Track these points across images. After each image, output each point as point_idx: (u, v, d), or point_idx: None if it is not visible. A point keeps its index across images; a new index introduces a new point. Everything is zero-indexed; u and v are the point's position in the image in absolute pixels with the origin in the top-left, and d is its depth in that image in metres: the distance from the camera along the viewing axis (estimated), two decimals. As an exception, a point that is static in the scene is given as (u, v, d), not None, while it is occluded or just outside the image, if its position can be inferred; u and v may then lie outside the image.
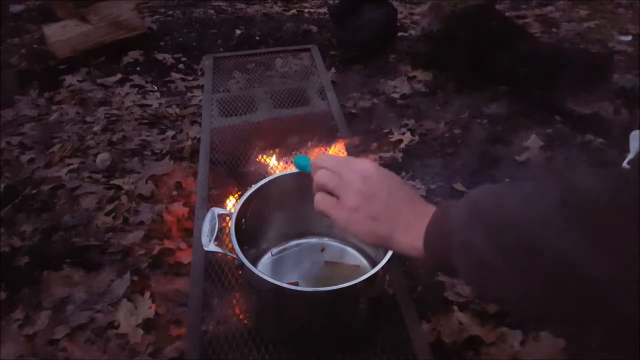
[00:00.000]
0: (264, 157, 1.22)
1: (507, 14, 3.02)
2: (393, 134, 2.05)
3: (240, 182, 1.15)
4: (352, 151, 1.22)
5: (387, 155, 1.91)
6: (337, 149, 1.22)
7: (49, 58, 2.57)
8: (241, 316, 0.86)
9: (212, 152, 1.23)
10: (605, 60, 2.17)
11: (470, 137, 2.03)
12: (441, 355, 1.19)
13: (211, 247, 0.74)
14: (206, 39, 2.94)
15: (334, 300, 0.73)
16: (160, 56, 2.72)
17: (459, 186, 1.74)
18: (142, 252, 1.48)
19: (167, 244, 1.49)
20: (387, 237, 0.51)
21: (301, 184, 0.88)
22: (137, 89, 2.43)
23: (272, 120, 1.34)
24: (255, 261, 0.90)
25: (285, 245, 0.95)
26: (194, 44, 2.88)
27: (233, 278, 0.90)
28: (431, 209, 0.50)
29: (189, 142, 1.97)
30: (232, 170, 1.19)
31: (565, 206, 0.37)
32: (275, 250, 0.94)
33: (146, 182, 1.76)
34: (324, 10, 3.31)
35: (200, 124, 1.53)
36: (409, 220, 0.50)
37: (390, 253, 0.71)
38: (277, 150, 1.24)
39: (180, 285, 1.37)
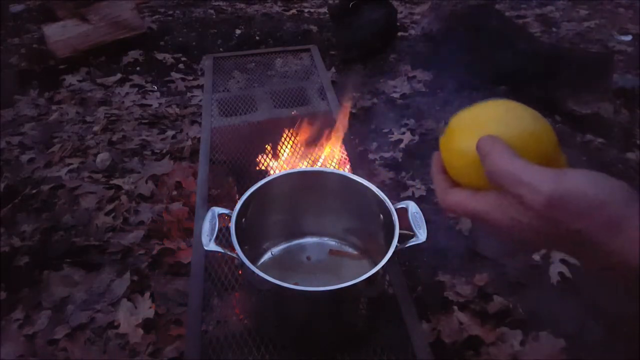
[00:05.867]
0: (264, 157, 1.22)
1: (507, 14, 3.02)
2: (393, 133, 2.05)
3: (240, 182, 1.15)
4: (352, 151, 1.22)
5: (387, 155, 1.91)
6: (335, 145, 1.22)
7: (49, 58, 2.57)
8: (241, 316, 0.86)
9: (212, 152, 1.23)
10: (605, 60, 2.17)
11: (470, 137, 2.03)
12: (441, 355, 1.19)
13: (211, 246, 0.74)
14: (206, 39, 2.94)
15: (334, 300, 0.72)
16: (160, 56, 2.72)
17: (459, 186, 1.74)
18: (142, 252, 1.48)
19: (167, 244, 1.49)
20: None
21: (301, 184, 0.88)
22: (137, 89, 2.43)
23: (272, 120, 1.34)
24: (255, 261, 0.90)
25: (285, 245, 0.95)
26: (194, 44, 2.88)
27: (233, 278, 0.90)
28: None
29: (189, 142, 1.97)
30: (232, 170, 1.19)
31: None
32: (275, 250, 0.94)
33: (146, 182, 1.76)
34: (324, 10, 3.31)
35: (200, 123, 1.53)
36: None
37: (390, 253, 0.71)
38: (277, 150, 1.24)
39: (180, 285, 1.37)
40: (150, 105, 2.28)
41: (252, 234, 0.83)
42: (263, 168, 1.20)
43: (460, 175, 0.44)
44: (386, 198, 0.80)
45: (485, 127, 0.42)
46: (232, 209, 0.78)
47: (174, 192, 1.73)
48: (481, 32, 2.32)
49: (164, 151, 1.95)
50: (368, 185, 0.83)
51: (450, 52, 2.41)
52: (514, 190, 0.36)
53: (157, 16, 3.24)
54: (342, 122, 1.24)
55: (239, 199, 0.80)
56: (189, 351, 0.80)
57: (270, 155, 1.23)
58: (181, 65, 2.67)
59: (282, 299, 0.74)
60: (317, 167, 1.14)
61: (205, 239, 0.75)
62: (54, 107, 2.26)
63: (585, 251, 0.36)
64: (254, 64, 1.65)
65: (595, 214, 0.34)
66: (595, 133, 2.00)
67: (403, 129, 2.08)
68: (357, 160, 1.18)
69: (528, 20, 3.17)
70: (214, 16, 3.28)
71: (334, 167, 1.18)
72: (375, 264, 0.70)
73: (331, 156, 1.21)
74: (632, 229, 0.33)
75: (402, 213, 0.78)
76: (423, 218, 0.78)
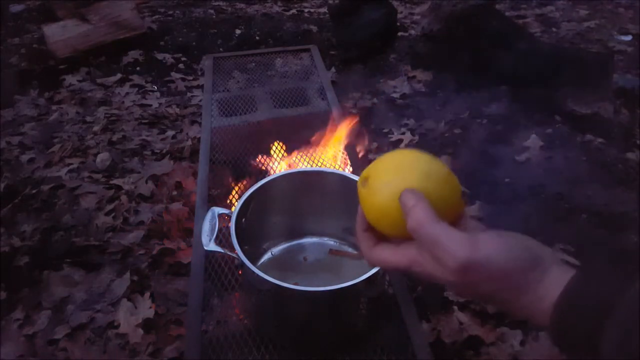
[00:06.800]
0: (264, 157, 1.22)
1: (507, 14, 3.02)
2: (393, 133, 2.05)
3: (240, 182, 1.15)
4: (352, 151, 1.22)
5: (387, 155, 1.91)
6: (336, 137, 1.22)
7: (49, 58, 2.57)
8: (241, 316, 0.86)
9: (212, 152, 1.23)
10: (605, 60, 2.17)
11: (470, 137, 2.03)
12: (441, 355, 1.19)
13: (211, 246, 0.74)
14: (206, 39, 2.94)
15: (334, 300, 0.72)
16: (160, 56, 2.72)
17: (459, 186, 1.74)
18: (142, 252, 1.48)
19: (167, 244, 1.49)
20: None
21: (301, 184, 0.88)
22: (137, 89, 2.44)
23: (272, 120, 1.34)
24: (255, 261, 0.90)
25: (286, 245, 0.95)
26: (194, 44, 2.88)
27: (233, 278, 0.90)
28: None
29: (189, 142, 1.97)
30: (232, 170, 1.19)
31: None
32: (275, 250, 0.94)
33: (146, 182, 1.76)
34: (324, 10, 3.31)
35: (200, 123, 1.53)
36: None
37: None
38: (277, 150, 1.24)
39: (180, 285, 1.37)
40: (150, 105, 2.28)
41: (252, 234, 0.83)
42: (263, 168, 1.20)
43: (380, 226, 0.47)
44: (386, 198, 0.80)
45: (401, 180, 0.45)
46: (232, 209, 0.78)
47: (174, 192, 1.73)
48: (481, 32, 2.32)
49: (164, 151, 1.95)
50: (368, 185, 0.83)
51: (450, 52, 2.41)
52: (433, 251, 0.40)
53: (157, 16, 3.24)
54: (345, 124, 1.24)
55: (239, 199, 0.80)
56: (189, 351, 0.80)
57: (270, 155, 1.23)
58: (181, 65, 2.67)
59: (282, 299, 0.74)
60: (317, 167, 1.14)
61: (205, 239, 0.75)
62: (54, 107, 2.26)
63: (497, 305, 0.42)
64: (254, 64, 1.65)
65: (503, 280, 0.39)
66: (595, 133, 2.00)
67: (403, 129, 2.08)
68: (357, 161, 1.18)
69: (528, 20, 3.17)
70: (214, 16, 3.28)
71: (334, 167, 1.18)
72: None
73: (331, 156, 1.21)
74: (532, 292, 0.39)
75: (402, 213, 0.78)
76: (423, 218, 0.78)
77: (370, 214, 0.47)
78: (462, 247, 0.38)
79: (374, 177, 0.47)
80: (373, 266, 0.49)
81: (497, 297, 0.40)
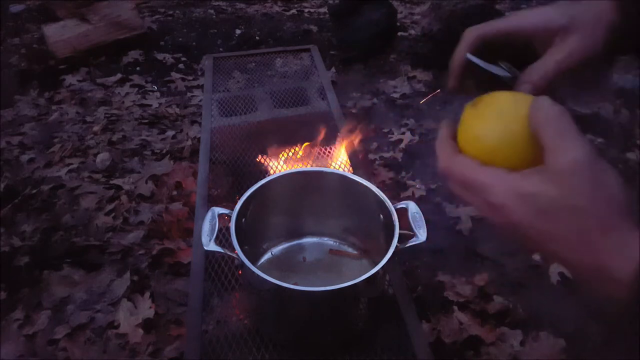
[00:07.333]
0: (264, 157, 1.22)
1: (507, 14, 3.01)
2: (393, 134, 2.05)
3: (240, 182, 1.15)
4: (352, 150, 1.22)
5: (387, 155, 1.91)
6: (338, 150, 1.22)
7: (49, 58, 2.57)
8: (241, 316, 0.86)
9: (212, 152, 1.23)
10: (605, 60, 2.17)
11: (470, 137, 2.03)
12: (441, 355, 1.19)
13: (211, 246, 0.74)
14: (206, 39, 2.94)
15: (333, 300, 0.72)
16: (160, 56, 2.72)
17: (459, 186, 1.74)
18: (142, 252, 1.48)
19: (167, 244, 1.49)
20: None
21: (301, 184, 0.88)
22: (137, 88, 2.43)
23: (272, 120, 1.34)
24: (255, 261, 0.90)
25: (285, 245, 0.95)
26: (194, 44, 2.88)
27: (233, 278, 0.90)
28: None
29: (189, 142, 1.97)
30: (232, 170, 1.19)
31: None
32: (275, 250, 0.94)
33: (146, 182, 1.76)
34: (324, 10, 3.31)
35: (200, 123, 1.53)
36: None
37: (390, 253, 0.71)
38: (277, 150, 1.24)
39: (180, 285, 1.37)
40: (150, 105, 2.28)
41: (252, 234, 0.83)
42: (263, 168, 1.20)
43: (474, 146, 0.44)
44: (386, 198, 0.80)
45: (515, 111, 0.43)
46: (232, 209, 0.78)
47: (174, 192, 1.73)
48: (481, 32, 2.32)
49: (164, 151, 1.95)
50: (368, 185, 0.83)
51: (450, 52, 2.40)
52: (555, 138, 0.37)
53: (157, 16, 3.24)
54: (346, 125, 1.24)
55: (239, 199, 0.80)
56: (189, 351, 0.80)
57: (270, 156, 1.23)
58: (181, 65, 2.67)
59: (282, 299, 0.74)
60: (317, 167, 1.14)
61: (205, 239, 0.75)
62: (54, 107, 2.26)
63: (570, 247, 0.36)
64: (254, 64, 1.65)
65: (602, 198, 0.35)
66: (595, 133, 2.00)
67: (403, 129, 2.08)
68: (357, 160, 1.18)
69: (528, 20, 3.16)
70: (214, 16, 3.28)
71: (334, 167, 1.18)
72: (375, 264, 0.70)
73: (331, 156, 1.21)
74: (626, 231, 0.34)
75: (402, 213, 0.78)
76: (423, 218, 0.78)
77: (470, 133, 0.45)
78: (590, 149, 0.36)
79: (490, 100, 0.46)
80: (448, 175, 0.44)
81: (585, 224, 0.35)
